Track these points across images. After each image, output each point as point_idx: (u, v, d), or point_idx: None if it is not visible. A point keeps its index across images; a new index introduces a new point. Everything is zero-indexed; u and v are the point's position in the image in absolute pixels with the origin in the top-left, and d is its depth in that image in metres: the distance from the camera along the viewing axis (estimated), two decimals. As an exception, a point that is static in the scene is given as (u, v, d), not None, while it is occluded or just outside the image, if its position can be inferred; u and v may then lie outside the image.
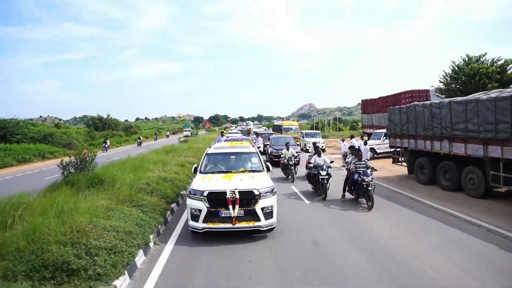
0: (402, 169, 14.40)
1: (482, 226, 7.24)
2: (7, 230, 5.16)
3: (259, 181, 7.15)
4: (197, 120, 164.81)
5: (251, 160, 8.63)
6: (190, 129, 72.27)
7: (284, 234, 6.95)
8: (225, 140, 16.53)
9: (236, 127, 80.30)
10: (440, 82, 25.44)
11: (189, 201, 6.81)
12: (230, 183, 6.85)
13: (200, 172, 7.94)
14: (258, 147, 14.67)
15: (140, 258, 5.67)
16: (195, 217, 6.65)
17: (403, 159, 13.95)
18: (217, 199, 6.60)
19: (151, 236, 6.48)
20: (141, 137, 43.85)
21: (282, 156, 14.12)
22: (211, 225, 6.54)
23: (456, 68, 24.19)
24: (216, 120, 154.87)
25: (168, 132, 71.51)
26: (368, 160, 11.64)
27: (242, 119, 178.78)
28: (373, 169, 9.41)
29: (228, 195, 6.49)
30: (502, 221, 7.44)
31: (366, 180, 8.94)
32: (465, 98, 10.16)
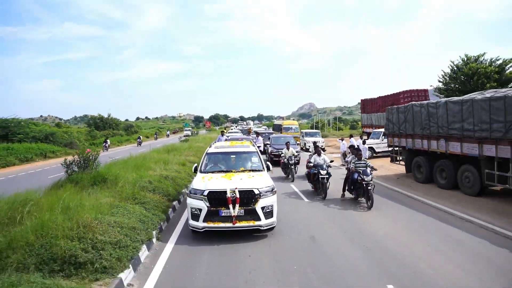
0: (400, 168, 14.60)
1: (475, 222, 7.44)
2: (17, 225, 5.36)
3: (259, 180, 7.17)
4: (198, 120, 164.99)
5: (251, 159, 8.64)
6: (191, 128, 72.35)
7: (284, 233, 6.99)
8: (226, 140, 16.67)
9: (236, 126, 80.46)
10: (439, 81, 25.65)
11: (189, 201, 6.85)
12: (231, 183, 6.88)
13: (201, 172, 7.96)
14: (258, 147, 14.81)
15: (143, 253, 5.87)
16: (195, 216, 6.67)
17: (401, 158, 14.15)
18: (217, 199, 6.62)
19: (154, 232, 6.67)
20: (141, 136, 44.02)
21: (282, 155, 14.13)
22: (211, 225, 6.56)
23: (455, 68, 24.39)
24: (216, 120, 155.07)
25: (169, 132, 71.71)
26: (367, 159, 11.81)
27: (242, 118, 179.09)
28: (372, 169, 9.46)
29: (228, 195, 6.51)
30: (495, 218, 7.64)
31: (366, 179, 8.97)
32: (460, 98, 10.37)
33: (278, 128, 31.41)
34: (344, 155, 17.36)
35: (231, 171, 7.82)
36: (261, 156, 8.89)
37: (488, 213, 8.02)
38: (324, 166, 10.31)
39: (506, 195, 9.59)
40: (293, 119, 67.67)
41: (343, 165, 16.86)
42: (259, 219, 6.62)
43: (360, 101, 33.85)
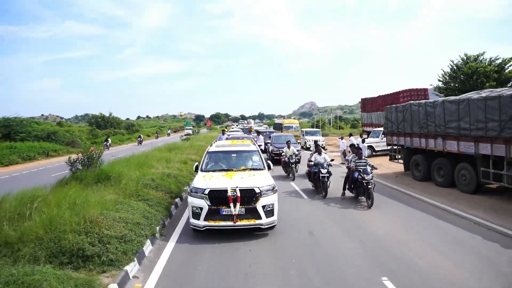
0: (399, 166, 14.79)
1: (471, 219, 7.63)
2: (26, 220, 5.57)
3: (260, 179, 7.20)
4: (199, 119, 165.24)
5: (252, 158, 8.65)
6: (191, 127, 72.57)
7: (285, 232, 7.03)
8: (226, 138, 16.83)
9: (237, 125, 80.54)
10: (439, 81, 25.81)
11: (190, 199, 6.87)
12: (231, 181, 6.89)
13: (202, 170, 7.99)
14: (259, 145, 14.94)
15: (147, 247, 6.09)
16: (196, 215, 6.70)
17: (399, 157, 14.34)
18: (218, 197, 6.63)
19: (157, 228, 6.90)
20: (141, 135, 44.11)
21: (283, 154, 14.16)
22: (212, 223, 6.58)
23: (455, 67, 24.53)
24: (217, 119, 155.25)
25: (169, 131, 71.90)
26: (366, 157, 11.97)
27: (243, 117, 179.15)
28: (373, 167, 9.49)
29: (229, 193, 6.52)
30: (491, 215, 7.83)
31: (366, 178, 8.98)
32: (457, 97, 10.57)
33: (278, 127, 31.58)
34: (344, 153, 17.57)
35: (232, 170, 7.85)
36: (262, 155, 8.91)
37: (485, 211, 8.18)
38: (325, 165, 10.37)
39: (502, 192, 9.79)
40: (294, 118, 67.82)
41: (343, 163, 17.06)
42: (260, 217, 6.63)
43: (360, 100, 34.03)
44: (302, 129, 30.59)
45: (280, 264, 5.52)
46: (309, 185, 11.46)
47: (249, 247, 6.26)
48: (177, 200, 9.50)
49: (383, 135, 19.10)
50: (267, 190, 6.86)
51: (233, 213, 6.52)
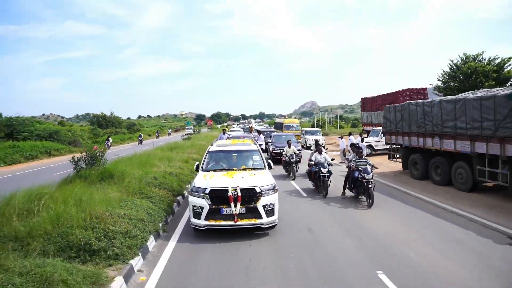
0: (397, 165, 14.97)
1: (467, 217, 7.81)
2: (35, 216, 5.79)
3: (260, 178, 7.21)
4: (199, 118, 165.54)
5: (253, 157, 8.66)
6: (192, 126, 72.69)
7: (285, 231, 7.06)
8: (227, 138, 16.98)
9: (238, 125, 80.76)
10: (439, 80, 25.97)
11: (191, 199, 6.88)
12: (232, 181, 6.91)
13: (202, 170, 8.02)
14: (260, 145, 15.06)
15: (151, 243, 6.30)
16: (197, 215, 6.71)
17: (398, 156, 14.53)
18: (219, 197, 6.64)
19: (160, 224, 7.10)
20: (142, 135, 44.17)
21: (283, 153, 14.18)
22: (213, 223, 6.60)
23: (454, 67, 24.67)
24: (218, 118, 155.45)
25: (170, 130, 72.10)
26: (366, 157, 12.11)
27: (244, 117, 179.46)
28: (373, 167, 9.49)
29: (230, 193, 6.53)
30: (486, 212, 8.04)
31: (366, 177, 8.97)
32: (454, 97, 10.75)
33: (279, 127, 31.77)
34: (344, 152, 17.75)
35: (233, 169, 7.88)
36: (262, 154, 8.93)
37: (482, 209, 8.32)
38: (325, 164, 10.40)
39: (498, 191, 9.95)
40: (295, 117, 68.01)
41: (342, 162, 17.25)
42: (260, 217, 6.65)
43: (360, 100, 34.20)
44: (303, 129, 30.78)
45: (280, 263, 5.58)
46: (309, 184, 11.47)
47: (249, 246, 6.33)
48: (179, 198, 9.71)
49: (382, 135, 19.30)
50: (267, 190, 6.88)
51: (234, 212, 6.54)
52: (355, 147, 10.65)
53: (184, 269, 5.42)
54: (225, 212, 6.61)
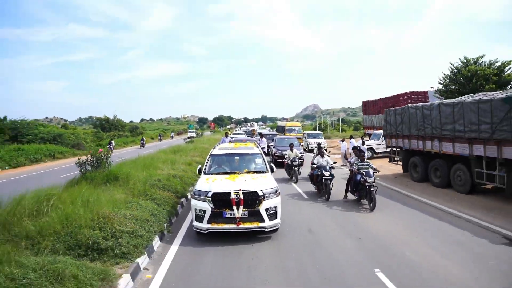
0: (398, 168, 15.10)
1: (465, 218, 7.96)
2: (44, 216, 6.00)
3: (263, 182, 7.22)
4: (202, 121, 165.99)
5: (255, 161, 8.65)
6: (195, 130, 72.89)
7: (287, 234, 7.08)
8: (230, 141, 17.13)
9: (240, 128, 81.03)
10: (440, 83, 26.14)
11: (193, 202, 6.89)
12: (234, 184, 6.92)
13: (205, 173, 8.04)
14: (262, 148, 15.18)
15: (156, 243, 6.51)
16: (199, 218, 6.72)
17: (398, 158, 14.69)
18: (221, 200, 6.66)
19: (165, 225, 7.30)
20: (144, 138, 44.10)
21: (286, 157, 14.15)
22: (215, 226, 6.63)
23: (455, 70, 24.85)
24: (220, 121, 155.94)
25: (173, 133, 72.38)
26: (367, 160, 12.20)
27: (246, 120, 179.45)
28: (375, 170, 9.43)
29: (232, 196, 6.55)
30: (484, 214, 8.18)
31: (368, 181, 8.93)
32: (452, 100, 10.94)
33: (281, 130, 32.03)
34: (345, 156, 17.92)
35: (235, 173, 7.89)
36: (264, 157, 8.95)
37: (481, 211, 8.44)
38: (327, 168, 10.44)
39: (496, 193, 10.10)
40: (297, 121, 68.31)
41: (344, 165, 17.42)
42: (263, 220, 6.66)
43: (362, 103, 34.37)
44: (305, 132, 30.98)
45: (282, 266, 5.65)
46: (311, 187, 11.51)
47: (252, 249, 6.40)
48: (182, 200, 9.92)
49: (383, 137, 19.47)
50: (270, 193, 6.89)
51: (236, 216, 6.56)
52: (358, 150, 10.55)
53: (189, 268, 5.60)
54: (227, 216, 6.64)
